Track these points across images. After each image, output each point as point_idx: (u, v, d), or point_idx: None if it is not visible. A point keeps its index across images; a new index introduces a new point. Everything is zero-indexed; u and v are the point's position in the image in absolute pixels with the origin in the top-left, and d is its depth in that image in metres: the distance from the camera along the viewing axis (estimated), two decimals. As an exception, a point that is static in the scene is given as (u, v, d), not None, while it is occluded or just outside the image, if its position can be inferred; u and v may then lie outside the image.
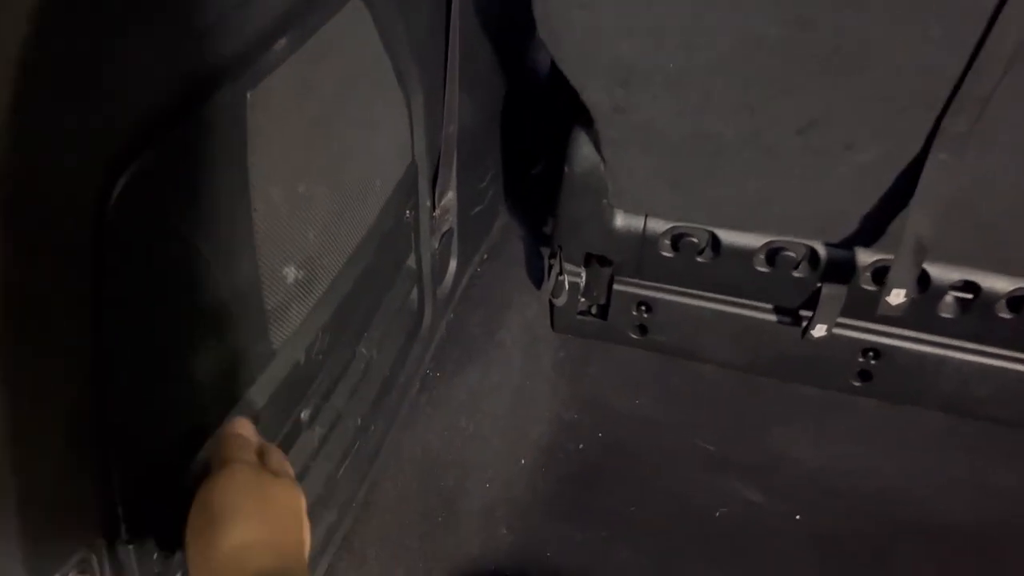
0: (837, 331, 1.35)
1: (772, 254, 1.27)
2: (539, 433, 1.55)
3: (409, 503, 1.28)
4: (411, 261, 1.18)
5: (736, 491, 1.52)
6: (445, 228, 1.31)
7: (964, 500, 1.50)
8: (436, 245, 1.28)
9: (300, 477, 0.99)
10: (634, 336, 1.50)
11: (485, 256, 1.51)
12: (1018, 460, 1.51)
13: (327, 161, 0.91)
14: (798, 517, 1.48)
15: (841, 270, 1.23)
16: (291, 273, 0.88)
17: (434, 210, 1.21)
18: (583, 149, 1.19)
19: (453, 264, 1.35)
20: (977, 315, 1.23)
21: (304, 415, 0.96)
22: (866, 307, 1.25)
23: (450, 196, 1.28)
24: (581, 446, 1.56)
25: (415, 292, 1.22)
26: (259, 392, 0.85)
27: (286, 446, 0.94)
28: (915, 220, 1.03)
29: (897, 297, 1.08)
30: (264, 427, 0.85)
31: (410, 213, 1.13)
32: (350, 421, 1.09)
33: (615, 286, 1.46)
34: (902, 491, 1.51)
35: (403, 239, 1.14)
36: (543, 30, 1.05)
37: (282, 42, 0.76)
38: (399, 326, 1.19)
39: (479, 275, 1.48)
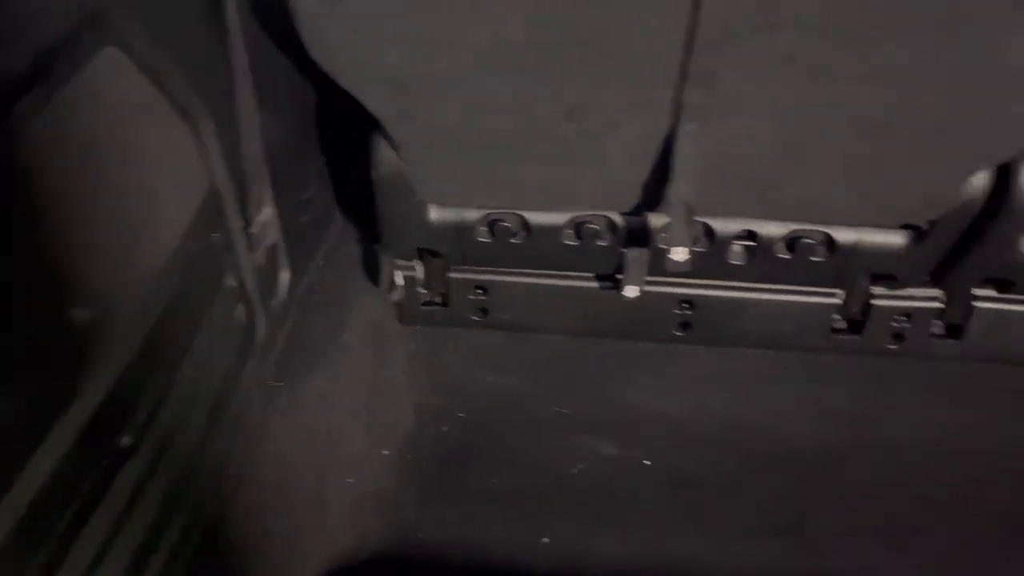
0: (654, 288, 1.41)
1: (578, 228, 1.32)
2: (400, 423, 1.58)
3: (270, 511, 1.28)
4: (231, 279, 1.18)
5: (591, 447, 1.58)
6: (269, 242, 1.31)
7: (804, 426, 1.58)
8: (261, 260, 1.27)
9: (133, 500, 0.98)
10: (477, 319, 1.54)
11: (322, 262, 1.52)
12: (843, 383, 1.59)
13: (100, 200, 0.90)
14: (649, 463, 1.59)
15: (638, 235, 1.29)
16: (80, 312, 0.87)
17: (248, 228, 1.21)
18: (382, 152, 1.20)
19: (285, 275, 1.35)
20: (761, 259, 1.31)
21: (125, 441, 0.96)
22: None
23: (268, 211, 1.28)
24: (444, 428, 1.60)
25: (241, 308, 1.21)
26: (66, 428, 0.84)
27: (110, 473, 0.94)
28: (677, 185, 1.10)
29: (679, 254, 1.14)
30: (81, 459, 0.85)
31: (218, 235, 1.13)
32: (182, 441, 1.09)
33: (452, 274, 1.50)
34: (744, 425, 1.59)
35: (214, 260, 1.14)
36: (313, 49, 1.05)
37: (29, 96, 0.74)
38: (227, 344, 1.19)
39: (319, 281, 1.48)
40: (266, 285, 1.31)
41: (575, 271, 1.42)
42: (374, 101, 1.10)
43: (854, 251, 1.28)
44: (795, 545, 1.46)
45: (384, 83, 1.07)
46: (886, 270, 1.33)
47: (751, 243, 1.32)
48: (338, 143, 1.42)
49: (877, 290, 1.40)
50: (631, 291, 1.35)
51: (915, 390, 1.53)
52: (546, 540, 1.47)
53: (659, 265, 1.31)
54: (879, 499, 1.50)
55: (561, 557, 1.44)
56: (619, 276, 1.37)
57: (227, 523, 1.21)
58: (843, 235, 1.26)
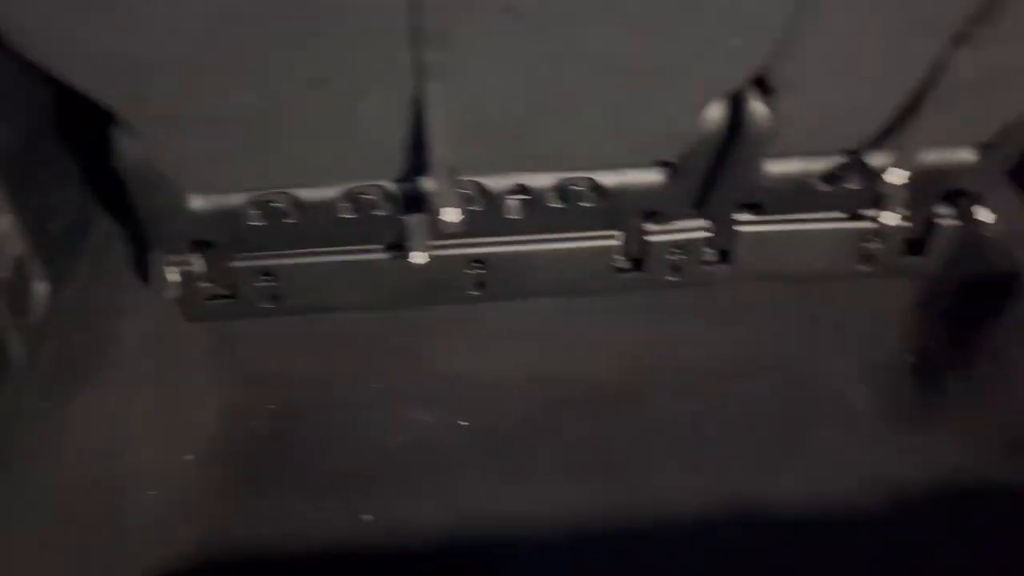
0: (442, 252, 1.40)
1: (353, 200, 1.28)
2: (203, 425, 1.51)
3: (60, 544, 1.18)
4: (-33, 299, 1.10)
5: (407, 418, 1.59)
6: (12, 253, 1.21)
7: (605, 366, 1.65)
8: (5, 274, 1.16)
9: None
10: (269, 306, 1.46)
11: (89, 267, 1.41)
12: (633, 319, 1.65)
13: None
14: (465, 423, 1.62)
15: (414, 201, 1.27)
16: None
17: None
18: (123, 142, 1.11)
19: (41, 287, 1.25)
20: (537, 210, 1.32)
21: None
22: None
23: (4, 221, 1.21)
24: (253, 424, 1.55)
25: (-14, 329, 1.13)
26: None
27: None
28: (434, 147, 1.08)
29: (450, 215, 1.13)
30: None
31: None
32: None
33: (235, 263, 1.41)
34: (551, 373, 1.63)
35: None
36: (9, 35, 0.95)
37: None
38: (-26, 369, 1.10)
39: (88, 288, 1.36)
40: (16, 301, 1.20)
41: (360, 244, 1.38)
42: (95, 87, 1.01)
43: (621, 193, 1.32)
44: (609, 481, 1.51)
45: (101, 66, 0.98)
46: (652, 207, 1.38)
47: (525, 196, 1.34)
48: (83, 138, 1.32)
49: (650, 227, 1.45)
50: (418, 257, 1.34)
51: (698, 315, 1.62)
52: (368, 517, 1.46)
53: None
54: (678, 422, 1.59)
55: (385, 533, 1.42)
56: (406, 244, 1.37)
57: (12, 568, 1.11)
58: (608, 178, 1.29)
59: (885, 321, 1.67)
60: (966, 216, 1.53)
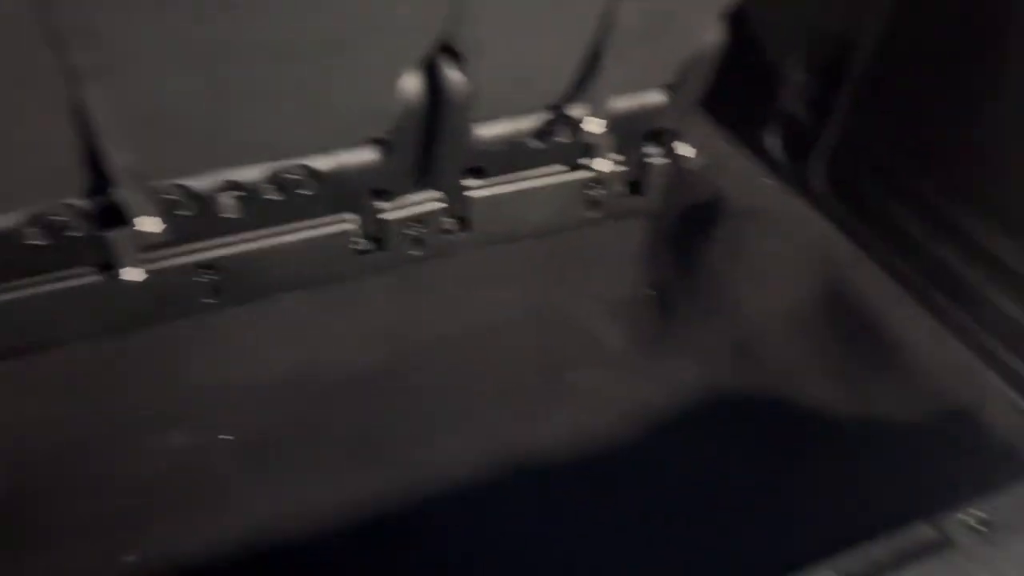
0: (165, 263, 1.31)
1: (42, 224, 1.15)
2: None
3: None
4: None
5: (158, 444, 1.47)
6: None
7: (373, 345, 1.60)
8: None
9: None
10: None
11: None
12: (398, 292, 1.61)
13: None
14: (228, 437, 1.53)
15: (110, 215, 1.16)
16: None
17: None
18: None
19: None
20: (256, 205, 1.27)
21: None
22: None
23: None
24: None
25: None
26: None
27: None
28: (110, 155, 1.01)
29: (148, 224, 1.07)
30: None
31: None
32: None
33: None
34: (312, 365, 1.56)
35: None
36: None
37: None
38: None
39: None
40: None
41: (63, 271, 1.27)
42: None
43: (338, 176, 1.29)
44: (389, 463, 1.49)
45: None
46: (375, 186, 1.36)
47: (239, 192, 1.28)
48: None
49: (382, 205, 1.44)
50: (131, 274, 1.24)
51: (449, 284, 1.62)
52: (131, 558, 1.36)
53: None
54: (448, 390, 1.59)
55: (153, 571, 1.34)
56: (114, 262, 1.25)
57: None
58: (321, 162, 1.26)
59: (622, 261, 1.77)
60: (670, 153, 1.67)
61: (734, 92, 1.71)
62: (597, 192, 1.63)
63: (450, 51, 1.19)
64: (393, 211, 1.46)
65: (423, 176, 1.41)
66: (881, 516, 1.17)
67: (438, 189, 1.48)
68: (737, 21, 1.49)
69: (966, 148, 1.29)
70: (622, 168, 1.61)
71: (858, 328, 1.42)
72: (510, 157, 1.45)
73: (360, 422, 1.57)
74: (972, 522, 1.09)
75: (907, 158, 1.39)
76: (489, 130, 1.36)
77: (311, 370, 1.57)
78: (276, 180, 1.26)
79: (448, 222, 1.55)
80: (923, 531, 1.10)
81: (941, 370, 1.30)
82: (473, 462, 1.51)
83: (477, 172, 1.48)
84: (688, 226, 1.70)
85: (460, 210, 1.54)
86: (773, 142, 1.60)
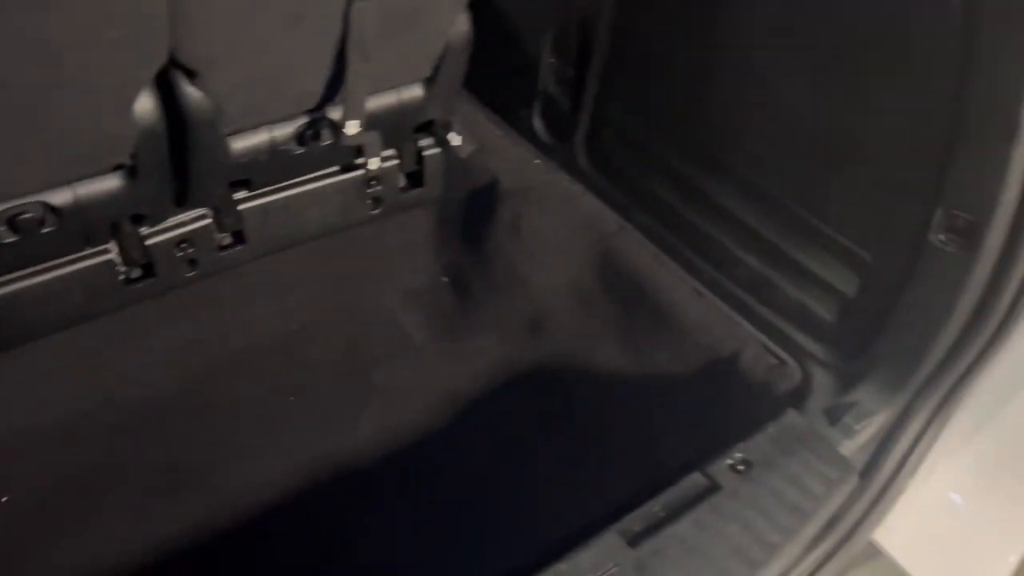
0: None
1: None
2: None
3: None
4: None
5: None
6: None
7: (166, 372, 1.54)
8: None
9: None
10: None
11: None
12: (181, 314, 1.55)
13: None
14: (3, 498, 1.47)
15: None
16: None
17: None
18: None
19: None
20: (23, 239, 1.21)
21: None
22: None
23: None
24: None
25: None
26: None
27: None
28: None
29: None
30: None
31: None
32: None
33: None
34: (96, 403, 1.47)
35: None
36: None
37: None
38: None
39: None
40: None
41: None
42: None
43: (83, 208, 1.21)
44: (183, 495, 1.44)
45: None
46: (127, 213, 1.29)
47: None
48: None
49: (146, 230, 1.38)
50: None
51: (233, 299, 1.58)
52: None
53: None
54: (250, 406, 1.55)
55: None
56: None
57: None
58: (60, 197, 1.18)
59: (413, 251, 1.78)
60: (443, 143, 1.69)
61: (499, 78, 1.75)
62: (376, 189, 1.63)
63: (183, 67, 1.15)
64: (158, 235, 1.40)
65: (183, 196, 1.36)
66: (666, 471, 1.28)
67: (204, 205, 1.44)
68: (487, 9, 1.53)
69: (697, 117, 1.37)
70: (396, 162, 1.63)
71: (632, 293, 1.50)
72: (276, 165, 1.41)
73: (159, 453, 1.50)
74: (736, 464, 1.21)
75: (651, 130, 1.46)
76: (245, 141, 1.31)
77: (99, 408, 1.48)
78: (10, 220, 1.17)
79: (221, 237, 1.51)
80: (696, 480, 1.21)
81: (705, 324, 1.39)
82: (280, 477, 1.48)
83: (245, 183, 1.45)
84: (470, 211, 1.72)
85: (233, 224, 1.49)
86: (539, 124, 1.65)
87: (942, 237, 1.06)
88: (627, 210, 1.52)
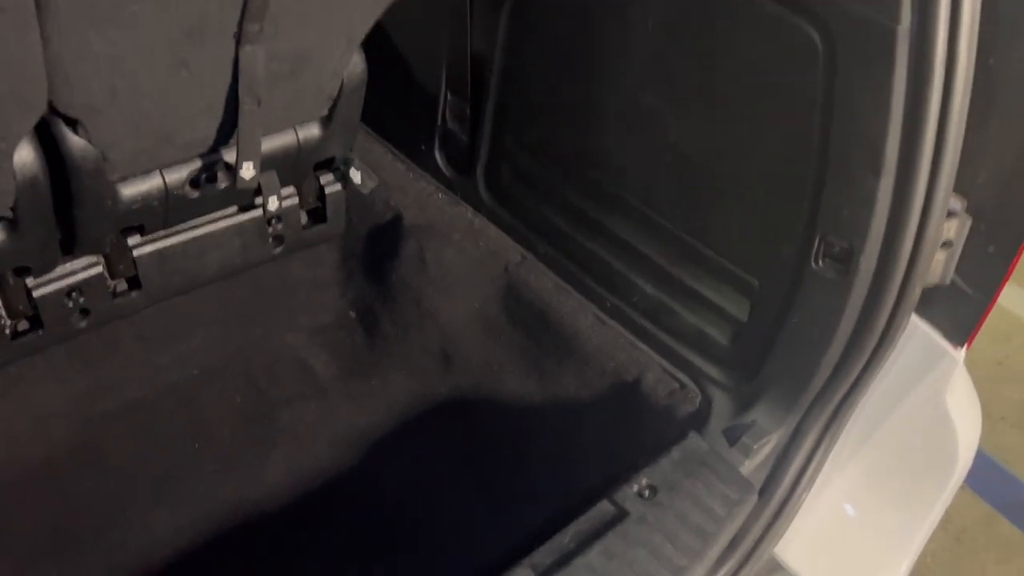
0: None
1: None
2: None
3: None
4: None
5: None
6: None
7: (58, 430, 1.45)
8: None
9: None
10: None
11: None
12: (71, 364, 1.48)
13: None
14: None
15: None
16: None
17: None
18: None
19: None
20: None
21: None
22: None
23: None
24: None
25: None
26: None
27: None
28: None
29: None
30: None
31: None
32: None
33: None
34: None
35: None
36: None
37: None
38: None
39: None
40: None
41: None
42: None
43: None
44: (75, 555, 1.36)
45: None
46: (10, 266, 1.24)
47: None
48: None
49: (32, 281, 1.32)
50: None
51: (130, 347, 1.53)
52: None
53: None
54: (148, 457, 1.49)
55: None
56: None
57: None
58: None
59: (320, 288, 1.75)
60: (345, 180, 1.68)
61: (400, 114, 1.74)
62: (277, 228, 1.60)
63: (63, 116, 1.11)
64: (45, 285, 1.34)
65: (70, 244, 1.31)
66: (577, 498, 1.29)
67: (95, 253, 1.39)
68: (385, 46, 1.53)
69: (587, 152, 1.39)
70: (296, 200, 1.60)
71: (536, 322, 1.51)
72: (170, 210, 1.37)
73: (51, 513, 1.43)
74: (642, 490, 1.24)
75: (545, 165, 1.48)
76: (136, 188, 1.27)
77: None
78: None
79: (115, 284, 1.45)
80: (604, 508, 1.22)
81: (607, 350, 1.42)
82: (186, 528, 1.43)
83: (138, 229, 1.41)
84: (374, 247, 1.71)
85: (126, 271, 1.44)
86: (440, 158, 1.66)
87: (820, 263, 1.12)
88: (529, 241, 1.54)
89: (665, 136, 1.25)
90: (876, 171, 1.00)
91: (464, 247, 1.59)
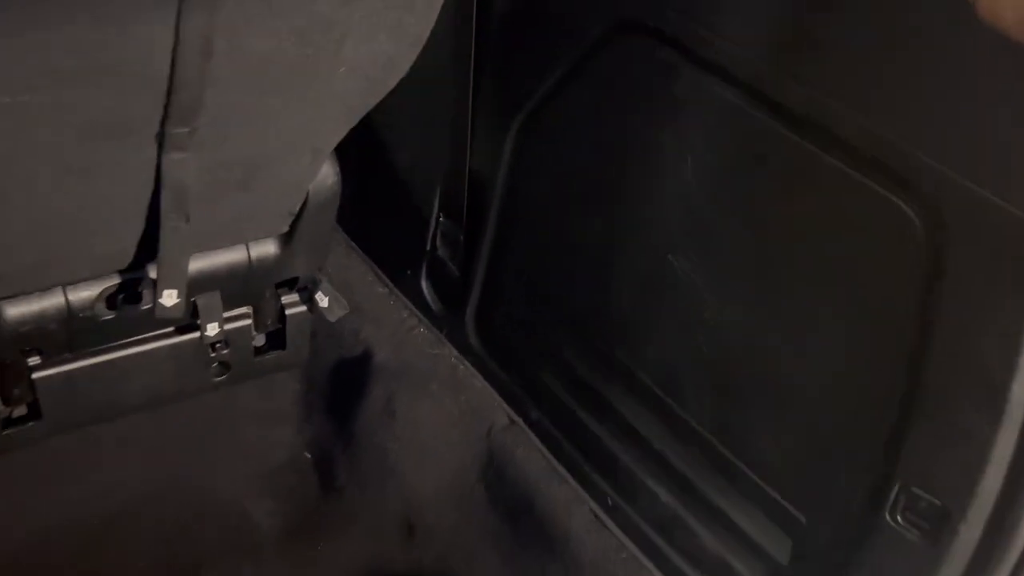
0: None
1: None
2: None
3: None
4: None
5: None
6: None
7: None
8: None
9: None
10: None
11: None
12: None
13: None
14: None
15: None
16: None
17: None
18: None
19: None
20: None
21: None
22: None
23: None
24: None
25: None
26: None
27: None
28: None
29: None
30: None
31: None
32: None
33: None
34: None
35: None
36: None
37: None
38: None
39: None
40: None
41: None
42: None
43: None
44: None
45: None
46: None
47: None
48: None
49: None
50: None
51: (24, 483, 1.25)
52: None
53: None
54: None
55: None
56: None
57: None
58: None
59: (272, 422, 1.46)
60: (310, 303, 1.45)
61: (385, 230, 1.50)
62: (222, 353, 1.36)
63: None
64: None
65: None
66: None
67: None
68: (375, 152, 1.32)
69: (597, 311, 1.12)
70: (247, 322, 1.34)
71: (519, 507, 1.21)
72: (76, 332, 1.13)
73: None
74: None
75: (546, 317, 1.21)
76: (26, 307, 1.02)
77: None
78: None
79: (8, 411, 1.20)
80: None
81: (603, 566, 1.11)
82: None
83: (35, 351, 1.17)
84: (339, 384, 1.43)
85: (22, 396, 1.18)
86: (426, 287, 1.40)
87: (900, 518, 0.84)
88: (520, 402, 1.25)
89: (700, 312, 0.96)
90: (993, 416, 0.70)
91: (442, 400, 1.31)
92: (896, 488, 0.79)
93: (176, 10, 0.78)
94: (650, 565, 1.08)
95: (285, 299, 1.35)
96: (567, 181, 1.12)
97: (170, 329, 1.26)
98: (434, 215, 1.32)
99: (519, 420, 1.25)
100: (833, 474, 0.88)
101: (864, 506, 0.83)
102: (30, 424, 1.19)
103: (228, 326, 1.26)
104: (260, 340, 1.39)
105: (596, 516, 1.14)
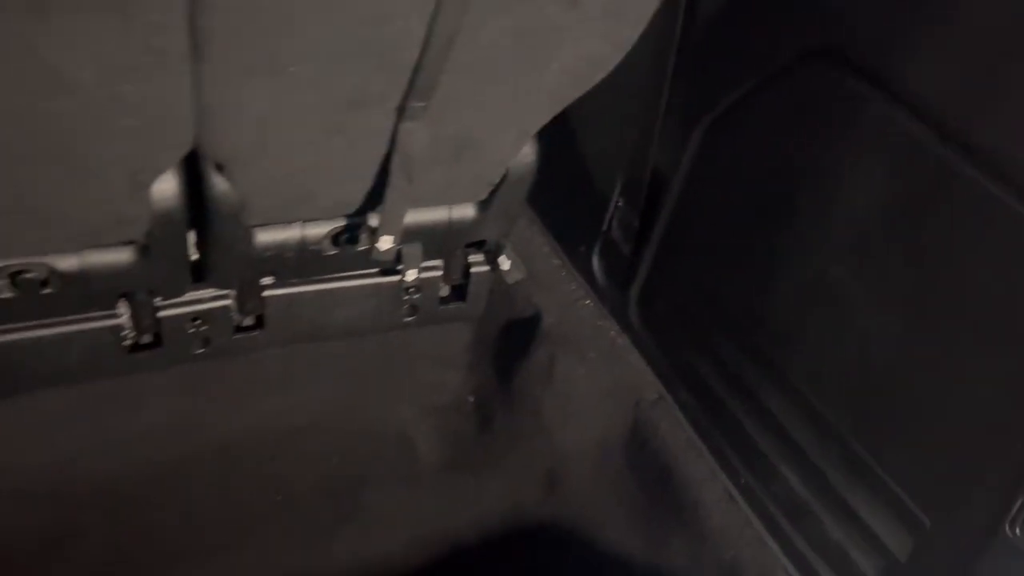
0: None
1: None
2: None
3: None
4: None
5: None
6: None
7: (136, 454, 1.43)
8: None
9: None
10: None
11: None
12: (170, 394, 1.45)
13: None
14: None
15: None
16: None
17: None
18: None
19: None
20: (32, 295, 1.15)
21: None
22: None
23: None
24: None
25: None
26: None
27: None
28: None
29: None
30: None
31: None
32: None
33: None
34: (58, 480, 1.39)
35: None
36: None
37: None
38: None
39: None
40: None
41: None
42: None
43: (89, 276, 1.14)
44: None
45: None
46: (135, 287, 1.23)
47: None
48: None
49: (160, 301, 1.32)
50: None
51: (236, 385, 1.49)
52: None
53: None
54: (220, 507, 1.45)
55: None
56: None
57: None
58: (66, 263, 1.11)
59: (442, 365, 1.66)
60: (493, 264, 1.60)
61: (565, 208, 1.64)
62: (414, 297, 1.55)
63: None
64: (172, 307, 1.33)
65: (201, 275, 1.29)
66: None
67: (224, 288, 1.38)
68: (561, 136, 1.42)
69: (754, 308, 1.21)
70: (438, 273, 1.52)
71: (657, 476, 1.34)
72: (305, 262, 1.34)
73: (115, 538, 1.40)
74: None
75: (705, 306, 1.31)
76: (273, 236, 1.23)
77: (63, 475, 1.40)
78: (11, 277, 1.12)
79: (240, 319, 1.44)
80: None
81: (729, 536, 1.21)
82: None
83: (278, 273, 1.38)
84: (506, 341, 1.60)
85: (254, 308, 1.41)
86: (597, 264, 1.53)
87: (1018, 532, 0.89)
88: (670, 381, 1.37)
89: (851, 319, 1.05)
90: None
91: (598, 369, 1.45)
92: (1018, 504, 0.85)
93: (433, 9, 0.94)
94: (774, 545, 1.18)
95: (472, 258, 1.54)
96: (742, 186, 1.23)
97: (375, 270, 1.47)
98: (613, 199, 1.45)
99: (667, 396, 1.37)
100: (962, 483, 0.94)
101: (987, 516, 0.90)
102: (255, 333, 1.45)
103: (423, 275, 1.45)
104: (445, 291, 1.58)
105: (728, 492, 1.25)
